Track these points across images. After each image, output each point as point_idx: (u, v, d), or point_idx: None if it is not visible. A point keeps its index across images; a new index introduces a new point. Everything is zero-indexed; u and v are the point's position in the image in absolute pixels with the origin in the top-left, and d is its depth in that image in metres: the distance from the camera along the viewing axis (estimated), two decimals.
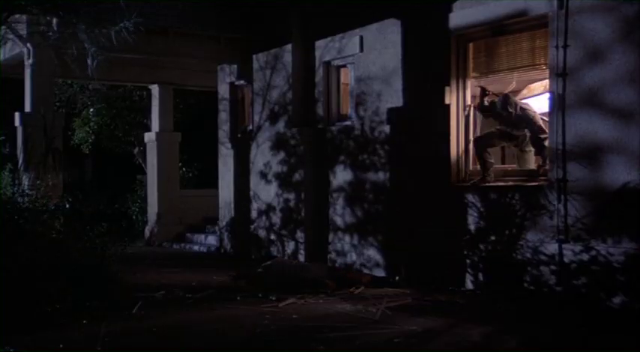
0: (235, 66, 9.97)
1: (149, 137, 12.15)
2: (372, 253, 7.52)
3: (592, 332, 4.62)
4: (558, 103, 5.75)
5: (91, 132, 13.49)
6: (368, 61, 7.68)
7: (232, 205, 9.97)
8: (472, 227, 6.47)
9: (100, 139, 13.70)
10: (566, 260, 5.68)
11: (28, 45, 8.30)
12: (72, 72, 7.27)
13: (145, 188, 12.50)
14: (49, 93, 8.71)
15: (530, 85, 6.79)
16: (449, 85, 6.72)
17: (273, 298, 5.91)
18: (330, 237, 8.09)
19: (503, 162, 7.58)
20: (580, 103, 5.65)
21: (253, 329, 4.74)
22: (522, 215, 6.04)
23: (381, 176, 7.48)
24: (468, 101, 6.79)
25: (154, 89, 12.01)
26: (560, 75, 5.73)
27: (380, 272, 7.27)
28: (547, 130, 6.01)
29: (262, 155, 9.20)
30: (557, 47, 5.75)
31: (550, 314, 5.21)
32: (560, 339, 4.45)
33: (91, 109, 13.32)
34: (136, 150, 13.74)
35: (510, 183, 6.30)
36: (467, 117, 6.79)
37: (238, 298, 6.02)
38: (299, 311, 5.36)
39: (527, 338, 4.47)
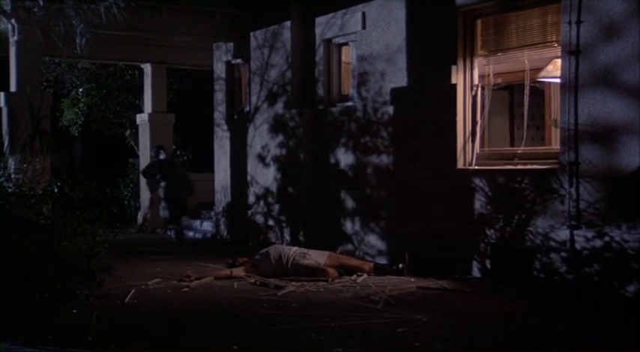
0: (232, 44, 9.90)
1: (141, 118, 12.11)
2: (375, 240, 7.52)
3: (609, 323, 4.61)
4: (570, 82, 5.70)
5: (80, 113, 13.44)
6: (371, 39, 7.61)
7: (229, 190, 9.97)
8: (479, 212, 6.46)
9: (90, 121, 13.65)
10: (577, 246, 5.67)
11: (13, 21, 8.21)
12: (59, 50, 7.21)
13: (137, 172, 12.47)
14: (35, 72, 8.64)
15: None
16: (455, 63, 6.68)
17: (272, 286, 5.91)
18: (331, 222, 8.08)
19: (512, 144, 7.54)
20: (593, 82, 5.60)
21: (250, 318, 4.74)
22: (532, 200, 6.02)
23: (384, 159, 7.45)
24: (476, 80, 6.74)
25: (147, 68, 11.94)
26: (573, 53, 5.68)
27: (383, 260, 7.28)
28: None
29: (260, 137, 9.17)
30: (570, 23, 5.69)
31: (562, 304, 5.20)
32: (578, 331, 4.44)
33: (80, 89, 13.26)
34: (127, 133, 13.71)
35: (519, 167, 6.27)
36: (474, 98, 6.75)
37: (235, 286, 6.02)
38: (298, 300, 5.36)
39: (541, 329, 4.45)
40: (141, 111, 12.57)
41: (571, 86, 5.70)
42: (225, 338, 4.22)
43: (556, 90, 6.68)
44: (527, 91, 6.55)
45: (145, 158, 11.97)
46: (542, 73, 6.65)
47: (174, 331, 4.48)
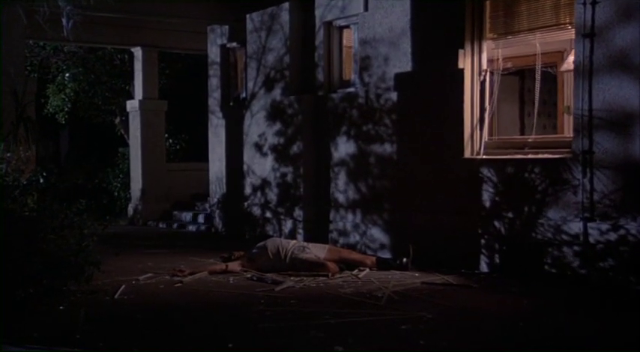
0: (227, 27, 9.86)
1: (132, 105, 12.09)
2: (377, 233, 7.52)
3: (623, 321, 4.60)
4: (585, 67, 5.66)
5: (66, 99, 13.40)
6: (373, 21, 7.57)
7: (224, 180, 9.97)
8: (487, 204, 6.45)
9: (77, 108, 13.61)
10: (591, 240, 5.65)
11: None
12: (44, 33, 7.16)
13: (128, 161, 12.49)
14: (19, 55, 8.59)
15: None
16: (463, 47, 6.64)
17: (269, 281, 5.91)
18: (332, 215, 8.09)
19: (522, 133, 7.53)
20: (609, 67, 5.56)
21: (247, 315, 4.73)
22: (543, 190, 6.01)
23: (387, 148, 7.43)
24: (484, 65, 6.71)
25: (137, 52, 11.89)
26: (588, 35, 5.64)
27: (385, 254, 7.27)
28: None
29: (257, 125, 9.15)
30: (584, 4, 5.65)
31: (575, 300, 5.20)
32: (592, 329, 4.43)
33: (67, 74, 13.20)
34: (117, 120, 13.68)
35: (530, 156, 6.25)
36: (482, 83, 6.72)
37: (231, 281, 6.02)
38: (297, 296, 5.36)
39: (552, 327, 4.44)
40: (131, 97, 12.53)
41: (585, 71, 5.67)
42: (220, 336, 4.22)
43: (569, 76, 6.65)
44: (538, 76, 6.52)
45: (135, 147, 11.96)
46: (564, 66, 6.60)
47: (167, 328, 4.48)
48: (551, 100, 7.92)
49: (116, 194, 13.11)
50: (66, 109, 13.50)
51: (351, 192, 7.88)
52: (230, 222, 9.83)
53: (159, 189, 11.92)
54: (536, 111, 6.80)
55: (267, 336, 4.21)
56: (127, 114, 12.56)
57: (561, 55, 7.37)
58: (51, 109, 13.51)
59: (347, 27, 8.22)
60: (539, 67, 6.47)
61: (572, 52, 6.33)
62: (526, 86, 8.12)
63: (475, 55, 6.68)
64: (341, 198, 8.01)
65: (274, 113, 8.87)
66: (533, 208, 6.08)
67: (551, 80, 7.51)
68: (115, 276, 6.09)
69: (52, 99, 13.46)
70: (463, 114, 6.67)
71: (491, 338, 4.17)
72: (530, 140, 6.58)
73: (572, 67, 6.50)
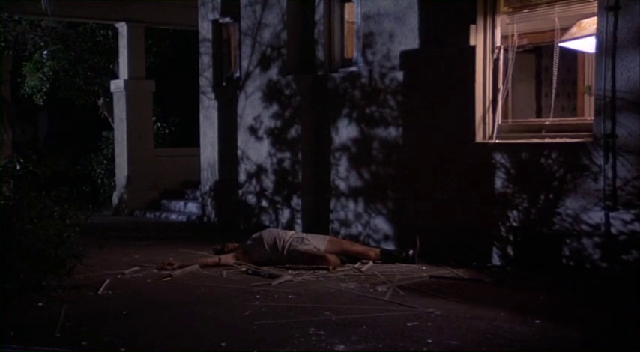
0: (219, 0, 9.79)
1: (116, 85, 12.04)
2: (382, 223, 7.51)
3: None
4: (608, 43, 5.62)
5: (45, 79, 13.31)
6: None
7: (216, 167, 9.96)
8: (501, 192, 6.44)
9: (57, 88, 13.54)
10: (613, 230, 5.65)
11: None
12: (20, 6, 7.11)
13: (112, 146, 12.48)
14: None
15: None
16: (475, 22, 6.60)
17: (265, 275, 5.91)
18: (332, 204, 8.09)
19: (538, 115, 7.50)
20: (634, 43, 5.53)
21: (242, 311, 4.74)
22: (561, 177, 5.99)
23: (392, 132, 7.42)
24: (498, 42, 6.68)
25: (122, 28, 11.84)
26: (612, 8, 5.60)
27: (390, 246, 7.28)
28: None
29: (252, 107, 9.13)
30: None
31: (596, 295, 5.20)
32: (615, 327, 4.42)
33: (45, 52, 13.12)
34: (100, 102, 13.63)
35: (547, 140, 6.23)
36: (496, 62, 6.69)
37: (224, 275, 6.02)
38: (295, 291, 5.36)
39: (571, 324, 4.44)
40: (116, 77, 12.48)
41: (608, 47, 5.63)
42: (212, 334, 4.21)
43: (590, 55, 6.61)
44: (556, 54, 6.48)
45: (120, 131, 11.93)
46: (566, 35, 6.56)
47: (155, 326, 4.47)
48: (571, 80, 7.89)
49: (100, 182, 13.10)
50: (44, 90, 13.42)
51: (354, 179, 7.87)
52: (223, 211, 9.83)
53: (146, 177, 11.91)
54: (554, 91, 6.77)
55: (263, 334, 4.21)
56: (111, 96, 12.52)
57: None
58: (28, 90, 13.43)
59: (349, 0, 8.17)
60: (558, 43, 6.42)
61: (577, 22, 6.29)
62: (543, 64, 8.09)
63: (488, 30, 6.64)
64: (342, 185, 8.00)
65: (270, 94, 8.84)
66: (550, 196, 6.07)
67: (570, 58, 7.47)
68: (98, 270, 6.09)
69: (28, 78, 13.37)
70: (475, 96, 6.64)
71: (505, 336, 4.16)
72: (547, 123, 6.56)
73: (583, 31, 6.46)
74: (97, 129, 13.72)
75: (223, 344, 3.97)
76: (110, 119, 13.12)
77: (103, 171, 13.04)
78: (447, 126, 6.89)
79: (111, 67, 13.14)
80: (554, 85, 6.68)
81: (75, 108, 14.38)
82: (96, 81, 13.38)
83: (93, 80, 13.40)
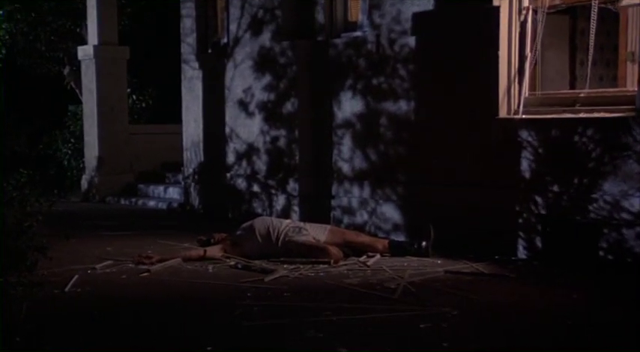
0: None
1: (84, 52, 12.01)
2: (390, 210, 7.53)
3: None
4: None
5: (0, 44, 13.25)
6: None
7: (201, 146, 9.97)
8: (527, 175, 6.44)
9: (14, 54, 13.47)
10: None
11: None
12: None
13: (81, 123, 12.45)
14: None
15: None
16: None
17: (257, 270, 5.93)
18: (334, 188, 8.10)
19: (572, 86, 7.48)
20: None
21: (230, 311, 4.75)
22: (598, 158, 5.99)
23: (402, 106, 7.41)
24: (526, 1, 6.66)
25: None
26: None
27: (400, 236, 7.31)
28: None
29: (242, 78, 9.12)
30: None
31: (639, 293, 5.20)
32: None
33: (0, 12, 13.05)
34: (66, 71, 13.59)
35: (582, 115, 6.23)
36: (523, 25, 6.68)
37: (210, 270, 6.04)
38: (292, 287, 5.38)
39: (609, 327, 4.45)
40: (84, 42, 12.44)
41: None
42: (196, 337, 4.23)
43: (635, 14, 6.58)
44: (594, 15, 6.44)
45: (89, 105, 11.90)
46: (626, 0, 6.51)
47: (131, 328, 4.49)
48: (611, 45, 7.85)
49: (66, 163, 13.09)
50: (0, 56, 13.39)
51: (358, 160, 7.88)
52: (209, 197, 9.85)
53: (120, 157, 11.92)
54: (590, 58, 6.74)
55: (255, 337, 4.23)
56: (78, 64, 12.48)
57: None
58: None
59: None
60: (596, 2, 6.39)
61: None
62: (578, 27, 8.05)
63: None
64: (345, 167, 8.00)
65: (263, 63, 8.83)
66: (584, 180, 6.07)
67: (611, 20, 7.42)
68: (65, 265, 6.10)
69: None
70: (498, 64, 6.63)
71: (532, 340, 4.18)
72: (582, 95, 6.54)
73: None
74: (63, 102, 13.68)
75: (209, 348, 3.98)
76: (77, 91, 13.09)
77: (69, 151, 13.03)
78: (465, 99, 6.88)
79: (78, 30, 13.09)
80: (591, 51, 6.65)
81: (36, 78, 14.32)
82: (60, 46, 13.33)
83: (57, 45, 13.35)
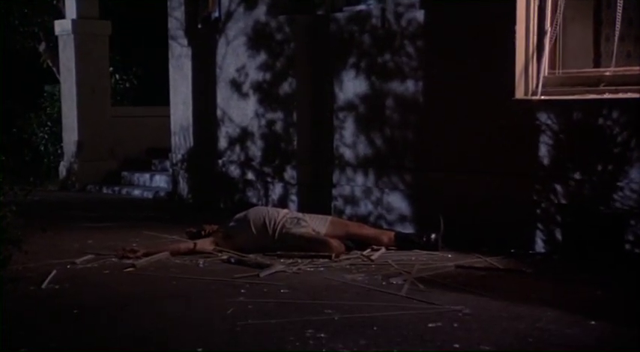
0: None
1: (62, 27, 12.00)
2: (397, 200, 7.54)
3: None
4: None
5: None
6: None
7: (191, 130, 9.98)
8: (546, 161, 6.45)
9: None
10: None
11: None
12: None
13: (59, 104, 12.44)
14: None
15: None
16: None
17: (252, 265, 5.94)
18: (335, 176, 8.11)
19: (596, 64, 7.45)
20: None
21: (222, 309, 4.76)
22: (624, 142, 5.99)
23: (410, 87, 7.41)
24: None
25: None
26: None
27: (408, 228, 7.32)
28: None
29: (235, 56, 9.12)
30: None
31: None
32: None
33: None
34: (42, 47, 13.55)
35: (607, 96, 6.21)
36: None
37: (200, 265, 6.05)
38: (289, 284, 5.39)
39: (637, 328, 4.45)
40: (61, 16, 12.40)
41: None
42: (185, 338, 4.23)
43: None
44: None
45: (68, 85, 11.87)
46: None
47: (113, 328, 4.49)
48: None
49: (43, 148, 13.09)
50: None
51: (362, 145, 7.88)
52: (199, 186, 9.85)
53: (102, 142, 11.93)
54: (617, 34, 6.71)
55: (249, 338, 4.22)
56: (55, 40, 12.45)
57: None
58: None
59: None
60: None
61: None
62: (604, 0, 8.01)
63: None
64: (348, 153, 8.01)
65: (258, 39, 8.83)
66: (609, 167, 6.07)
67: None
68: (42, 259, 6.11)
69: None
70: (515, 40, 6.62)
71: (551, 341, 4.18)
72: (607, 74, 6.53)
73: None
74: (39, 82, 13.66)
75: (199, 349, 3.99)
76: (55, 69, 13.06)
77: (46, 136, 13.03)
78: (478, 79, 6.88)
79: (55, 2, 13.04)
80: (618, 25, 6.61)
81: (9, 56, 14.27)
82: (35, 20, 13.28)
83: (32, 19, 13.30)
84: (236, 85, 9.14)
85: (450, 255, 6.27)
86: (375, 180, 7.76)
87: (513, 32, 6.61)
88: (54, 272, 5.74)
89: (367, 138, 7.86)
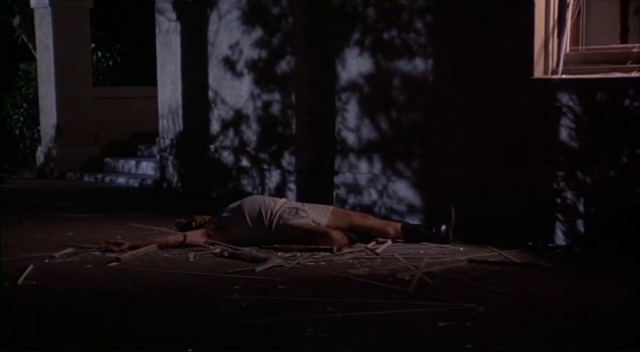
0: None
1: (39, 0, 11.94)
2: (404, 189, 7.56)
3: None
4: None
5: None
6: None
7: (180, 113, 9.98)
8: (567, 146, 6.45)
9: None
10: None
11: None
12: None
13: (35, 84, 12.42)
14: None
15: None
16: None
17: (247, 259, 5.96)
18: (337, 163, 8.12)
19: (623, 40, 7.44)
20: None
21: (214, 307, 4.77)
22: None
23: (419, 65, 7.40)
24: None
25: None
26: None
27: (416, 219, 7.33)
28: None
29: (228, 31, 9.11)
30: None
31: None
32: None
33: None
34: (16, 21, 13.52)
35: (634, 74, 6.22)
36: None
37: (191, 259, 6.06)
38: (287, 279, 5.40)
39: None
40: None
41: None
42: (174, 338, 4.24)
43: None
44: None
45: (46, 63, 11.86)
46: None
47: (95, 328, 4.50)
48: None
49: (18, 133, 13.09)
50: None
51: (366, 129, 7.88)
52: (189, 173, 9.86)
53: (83, 126, 11.94)
54: None
55: (243, 337, 4.24)
56: (31, 13, 12.43)
57: None
58: None
59: None
60: None
61: None
62: None
63: None
64: (351, 138, 8.01)
65: (253, 13, 8.83)
66: (637, 152, 6.07)
67: None
68: (17, 253, 6.13)
69: None
70: (534, 14, 6.61)
71: (570, 342, 4.19)
72: (635, 50, 6.54)
73: None
74: (13, 59, 13.64)
75: (190, 350, 4.00)
76: (31, 45, 13.05)
77: (21, 119, 13.04)
78: (493, 56, 6.87)
79: None
80: None
81: None
82: None
83: None
84: (229, 64, 9.13)
85: (461, 248, 6.28)
86: (380, 167, 7.76)
87: (532, 5, 6.61)
88: (31, 267, 5.74)
89: (372, 121, 7.85)
